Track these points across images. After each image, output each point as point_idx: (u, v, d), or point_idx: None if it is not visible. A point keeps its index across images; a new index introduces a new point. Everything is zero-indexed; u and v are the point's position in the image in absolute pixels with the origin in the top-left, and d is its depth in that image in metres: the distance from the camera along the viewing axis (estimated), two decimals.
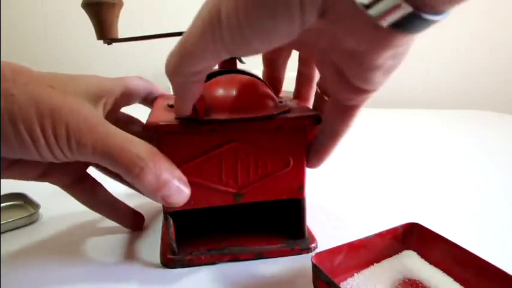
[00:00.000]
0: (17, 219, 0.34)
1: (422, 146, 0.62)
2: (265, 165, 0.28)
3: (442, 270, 0.27)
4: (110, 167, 0.24)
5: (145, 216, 0.35)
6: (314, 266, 0.24)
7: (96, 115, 0.24)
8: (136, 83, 0.31)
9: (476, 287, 0.24)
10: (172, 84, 0.23)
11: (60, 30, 1.09)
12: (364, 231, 0.28)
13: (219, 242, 0.30)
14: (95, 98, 0.26)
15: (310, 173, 0.30)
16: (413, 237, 0.28)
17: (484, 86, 1.10)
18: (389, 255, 0.28)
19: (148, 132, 0.25)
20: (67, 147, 0.23)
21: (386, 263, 0.27)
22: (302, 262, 0.29)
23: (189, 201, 0.26)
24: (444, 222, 0.34)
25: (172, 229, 0.28)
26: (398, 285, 0.26)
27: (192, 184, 0.26)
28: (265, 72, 0.32)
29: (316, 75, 0.31)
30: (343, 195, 0.42)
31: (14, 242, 0.32)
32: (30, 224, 0.35)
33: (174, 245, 0.28)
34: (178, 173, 0.25)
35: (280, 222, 0.33)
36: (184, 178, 0.26)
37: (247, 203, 0.29)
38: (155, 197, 0.25)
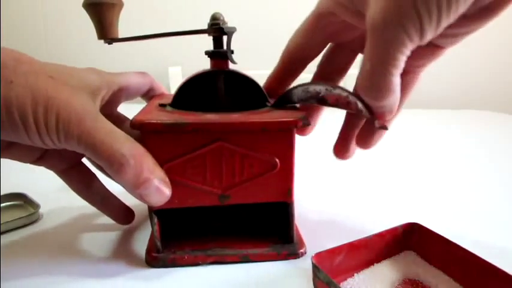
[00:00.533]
0: (17, 219, 0.34)
1: (422, 146, 0.62)
2: (251, 166, 0.27)
3: (442, 270, 0.27)
4: (93, 159, 0.24)
5: (139, 214, 0.35)
6: (314, 266, 0.24)
7: (88, 108, 0.25)
8: (137, 79, 0.32)
9: (476, 287, 0.25)
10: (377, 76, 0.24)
11: (60, 30, 1.09)
12: (363, 232, 0.28)
13: (205, 243, 0.30)
14: (94, 91, 0.27)
15: (310, 174, 0.30)
16: (413, 237, 0.28)
17: (484, 86, 1.10)
18: (389, 255, 0.28)
19: (134, 129, 0.25)
20: (55, 136, 0.24)
21: (386, 263, 0.27)
22: (291, 267, 0.29)
23: (173, 200, 0.26)
24: (444, 222, 0.34)
25: (156, 227, 0.28)
26: (398, 285, 0.26)
27: (176, 183, 0.26)
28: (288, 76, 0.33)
29: None
30: (343, 196, 0.42)
31: (14, 242, 0.32)
32: (30, 224, 0.35)
33: (159, 243, 0.28)
34: (160, 173, 0.25)
35: (270, 226, 0.33)
36: (167, 179, 0.26)
37: (237, 205, 0.28)
38: (134, 194, 0.25)
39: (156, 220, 0.28)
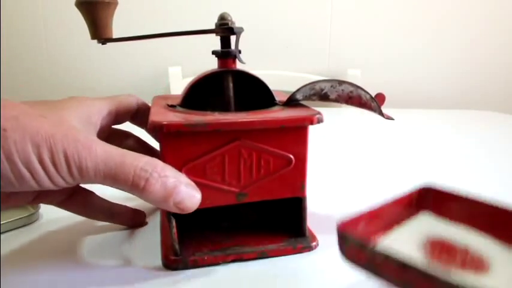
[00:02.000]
0: (17, 219, 0.34)
1: (422, 146, 0.62)
2: (268, 163, 0.28)
3: (463, 225, 0.26)
4: (114, 186, 0.24)
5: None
6: (342, 235, 0.23)
7: (91, 137, 0.24)
8: (126, 102, 0.31)
9: (506, 235, 0.24)
10: None
11: (60, 30, 1.09)
12: None
13: (220, 242, 0.30)
14: (86, 121, 0.26)
15: (309, 173, 0.30)
16: (428, 198, 0.28)
17: (484, 86, 1.10)
18: (407, 218, 0.27)
19: (153, 131, 0.25)
20: (68, 174, 0.22)
21: (406, 226, 0.27)
22: (305, 260, 0.29)
23: None
24: None
25: (175, 230, 0.28)
26: (426, 244, 0.25)
27: (196, 184, 0.26)
28: None
29: None
30: (343, 195, 0.42)
31: (14, 242, 0.32)
32: (30, 224, 0.35)
33: (177, 246, 0.28)
34: (184, 178, 0.25)
35: (278, 221, 0.33)
36: (192, 182, 0.25)
37: (247, 202, 0.29)
38: (167, 205, 0.24)
39: (174, 223, 0.27)
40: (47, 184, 0.23)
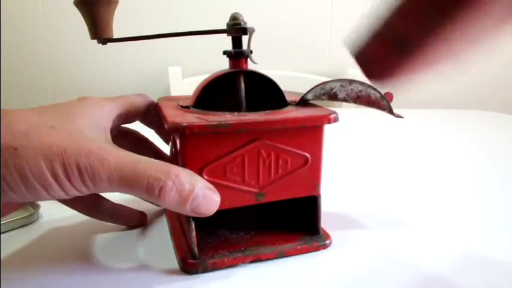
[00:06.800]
0: (17, 219, 0.34)
1: (423, 146, 0.62)
2: (286, 163, 0.28)
3: None
4: (129, 194, 0.24)
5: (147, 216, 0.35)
6: None
7: (103, 146, 0.24)
8: (136, 103, 0.31)
9: None
10: None
11: (60, 30, 1.09)
12: (362, 228, 0.28)
13: (237, 243, 0.30)
14: (99, 125, 0.26)
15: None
16: None
17: (484, 86, 1.10)
18: None
19: (173, 133, 0.25)
20: (82, 186, 0.23)
21: None
22: (318, 258, 0.29)
23: None
24: (446, 222, 0.34)
25: (194, 234, 0.27)
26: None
27: (216, 185, 0.26)
28: None
29: None
30: (344, 192, 0.42)
31: (14, 242, 0.32)
32: (30, 224, 0.35)
33: (196, 249, 0.27)
34: (201, 181, 0.25)
35: (287, 218, 0.33)
36: (210, 185, 0.25)
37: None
38: (184, 211, 0.24)
39: (193, 226, 0.27)
40: (62, 195, 0.23)
